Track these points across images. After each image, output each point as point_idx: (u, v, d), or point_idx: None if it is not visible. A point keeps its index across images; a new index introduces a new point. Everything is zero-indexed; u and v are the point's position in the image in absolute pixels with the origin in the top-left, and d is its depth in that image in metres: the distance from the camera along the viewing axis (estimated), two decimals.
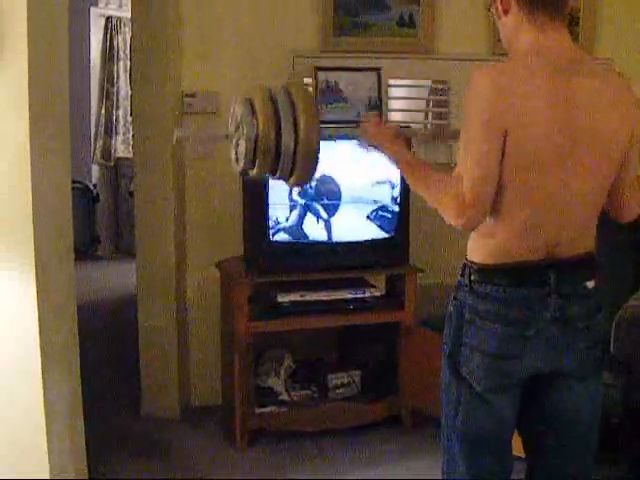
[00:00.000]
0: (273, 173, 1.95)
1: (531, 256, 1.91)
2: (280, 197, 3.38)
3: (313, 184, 3.41)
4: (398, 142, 2.09)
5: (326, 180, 3.44)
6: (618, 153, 1.93)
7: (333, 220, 3.48)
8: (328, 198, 3.45)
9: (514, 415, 2.01)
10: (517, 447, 2.12)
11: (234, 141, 1.92)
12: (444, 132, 2.04)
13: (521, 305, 1.91)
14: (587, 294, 1.97)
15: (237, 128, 1.89)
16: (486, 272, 1.93)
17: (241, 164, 1.91)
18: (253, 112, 1.88)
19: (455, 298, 2.00)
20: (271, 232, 3.39)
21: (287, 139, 1.86)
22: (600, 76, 1.94)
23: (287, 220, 3.42)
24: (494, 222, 1.91)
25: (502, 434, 2.02)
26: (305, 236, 3.45)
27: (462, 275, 1.99)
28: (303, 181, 2.02)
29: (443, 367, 2.04)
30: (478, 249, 1.96)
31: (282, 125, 1.86)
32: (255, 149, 1.87)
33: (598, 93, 1.89)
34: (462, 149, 1.90)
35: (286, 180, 1.99)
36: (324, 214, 3.47)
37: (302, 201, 3.41)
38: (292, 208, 3.42)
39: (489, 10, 2.01)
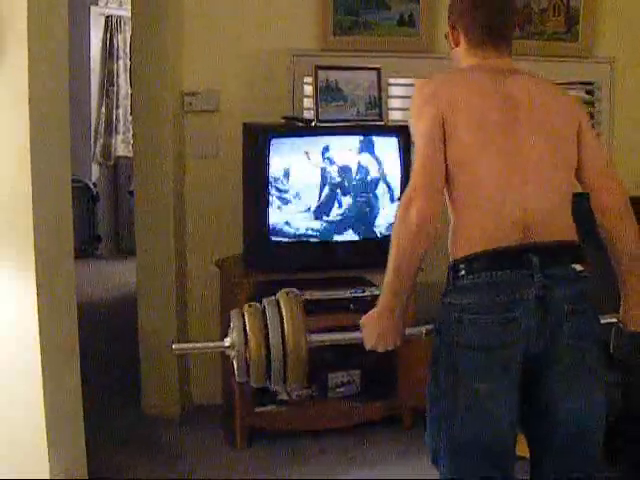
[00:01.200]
0: (269, 382, 2.06)
1: (508, 241, 1.93)
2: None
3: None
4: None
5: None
6: (567, 129, 2.03)
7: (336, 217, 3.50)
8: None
9: (513, 421, 1.97)
10: (521, 448, 2.11)
11: (232, 352, 2.05)
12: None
13: (505, 288, 1.91)
14: (575, 277, 1.96)
15: (232, 342, 2.04)
16: (468, 263, 1.94)
17: (237, 374, 2.05)
18: (244, 329, 2.02)
19: (442, 303, 2.01)
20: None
21: (276, 351, 2.00)
22: (538, 78, 2.12)
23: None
24: (459, 212, 1.97)
25: (501, 441, 1.97)
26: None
27: (447, 278, 2.01)
28: (297, 387, 2.17)
29: (434, 377, 2.01)
30: (456, 245, 1.99)
31: (270, 339, 2.00)
32: (248, 362, 2.02)
33: (534, 85, 2.07)
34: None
35: (282, 387, 2.10)
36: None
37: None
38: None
39: (446, 38, 2.20)
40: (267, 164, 3.32)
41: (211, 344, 2.45)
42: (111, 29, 7.48)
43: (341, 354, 3.83)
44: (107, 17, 7.46)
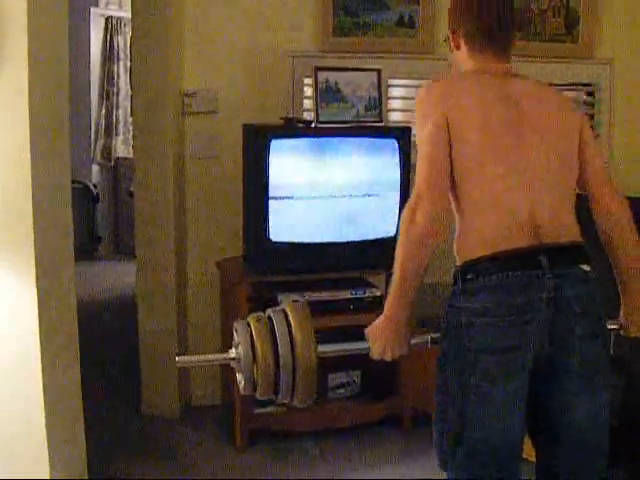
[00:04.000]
0: (276, 394, 2.01)
1: (518, 242, 1.92)
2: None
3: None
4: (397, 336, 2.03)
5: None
6: (569, 132, 2.05)
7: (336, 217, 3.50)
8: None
9: (522, 424, 1.97)
10: (526, 450, 2.10)
11: (237, 365, 2.00)
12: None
13: (516, 290, 1.90)
14: (584, 277, 1.96)
15: (238, 354, 1.99)
16: (476, 265, 1.93)
17: (243, 388, 1.99)
18: (252, 338, 1.96)
19: (450, 306, 1.99)
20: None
21: (286, 363, 1.94)
22: (538, 82, 2.15)
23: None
24: (466, 215, 1.97)
25: (511, 444, 1.97)
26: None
27: (454, 282, 1.99)
28: (306, 400, 2.06)
29: (443, 381, 1.99)
30: (464, 248, 1.98)
31: (280, 351, 1.94)
32: (256, 375, 1.96)
33: (535, 88, 2.11)
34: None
35: (290, 401, 2.04)
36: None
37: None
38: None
39: (445, 41, 2.23)
40: (267, 165, 3.31)
41: (216, 356, 2.39)
42: (111, 30, 7.49)
43: (342, 355, 3.84)
44: (107, 18, 7.47)
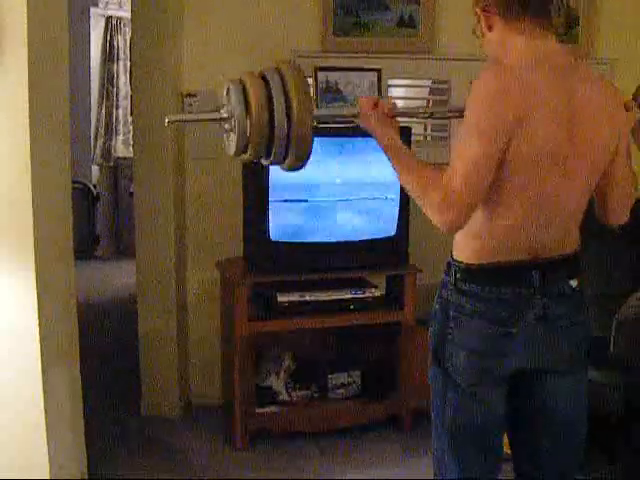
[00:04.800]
0: (267, 157, 1.92)
1: (516, 256, 1.93)
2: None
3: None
4: (387, 124, 2.02)
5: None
6: (605, 163, 1.97)
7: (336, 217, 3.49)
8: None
9: (502, 409, 2.02)
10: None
11: (227, 125, 1.89)
12: (446, 109, 2.16)
13: (505, 305, 1.93)
14: (570, 293, 1.98)
15: (230, 112, 1.86)
16: (471, 271, 1.95)
17: (233, 148, 1.88)
18: (245, 95, 1.83)
19: (440, 296, 2.02)
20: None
21: (280, 122, 1.82)
22: (594, 83, 1.97)
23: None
24: (484, 221, 1.92)
25: (491, 428, 2.02)
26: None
27: (447, 273, 2.01)
28: (298, 164, 1.96)
29: (430, 364, 2.06)
30: (464, 248, 1.98)
31: (274, 108, 1.82)
32: (248, 132, 1.84)
33: (595, 101, 1.92)
34: (458, 147, 1.86)
35: (281, 164, 1.96)
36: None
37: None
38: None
39: (474, 33, 2.02)
40: (267, 165, 3.30)
41: (208, 115, 2.20)
42: (111, 30, 7.50)
43: (342, 355, 3.84)
44: (107, 18, 7.48)
